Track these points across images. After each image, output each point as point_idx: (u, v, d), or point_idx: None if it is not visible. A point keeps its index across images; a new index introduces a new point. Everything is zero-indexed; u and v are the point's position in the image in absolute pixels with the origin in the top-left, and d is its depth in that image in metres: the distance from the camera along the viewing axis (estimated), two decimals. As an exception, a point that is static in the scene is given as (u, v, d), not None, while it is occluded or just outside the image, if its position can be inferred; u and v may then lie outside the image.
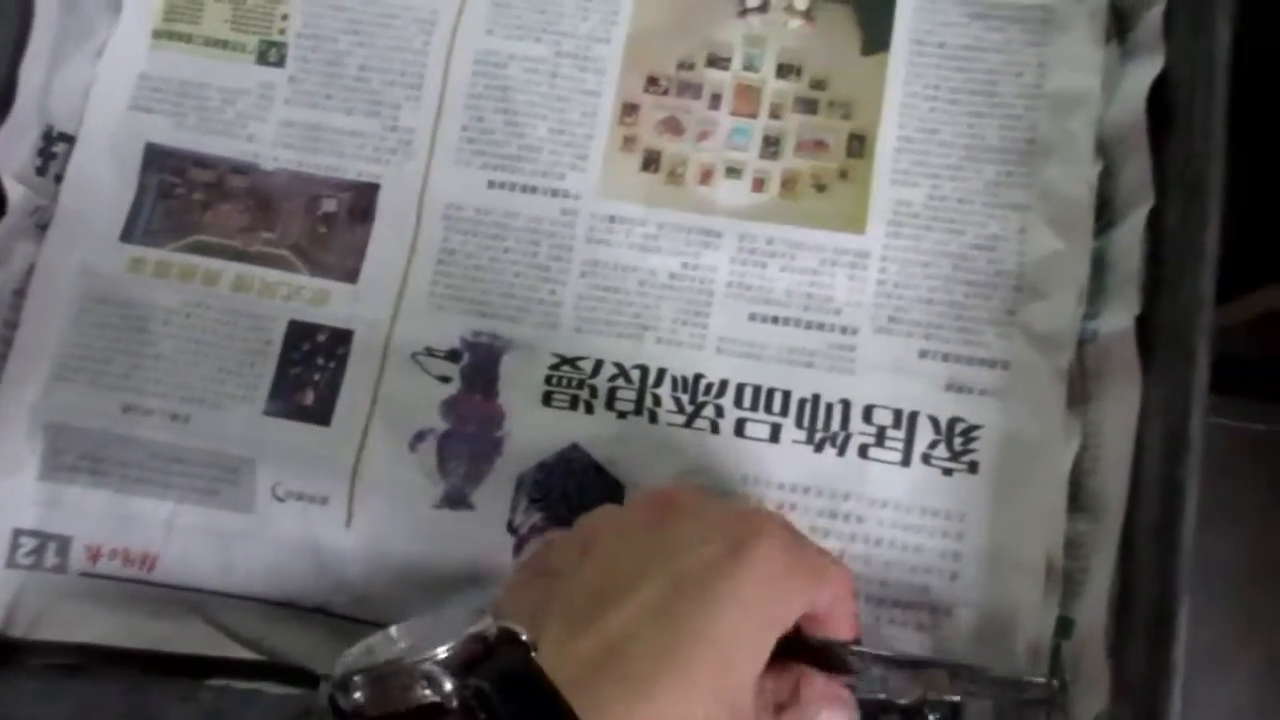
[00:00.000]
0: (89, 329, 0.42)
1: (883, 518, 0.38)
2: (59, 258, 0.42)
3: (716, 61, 0.42)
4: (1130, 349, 0.36)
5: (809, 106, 0.42)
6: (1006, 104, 0.40)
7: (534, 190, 0.42)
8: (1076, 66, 0.40)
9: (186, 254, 0.42)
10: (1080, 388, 0.38)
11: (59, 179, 0.42)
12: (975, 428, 0.38)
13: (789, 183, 0.41)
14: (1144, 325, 0.36)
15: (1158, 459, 0.34)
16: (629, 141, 0.42)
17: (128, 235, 0.42)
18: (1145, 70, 0.38)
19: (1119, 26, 0.40)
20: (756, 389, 0.39)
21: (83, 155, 0.43)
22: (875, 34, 0.42)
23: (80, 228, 0.42)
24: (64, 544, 0.40)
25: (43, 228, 0.42)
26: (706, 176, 0.41)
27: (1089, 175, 0.39)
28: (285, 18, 0.44)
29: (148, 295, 0.42)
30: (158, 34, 0.44)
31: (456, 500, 0.39)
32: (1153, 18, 0.38)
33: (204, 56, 0.44)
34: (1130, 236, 0.37)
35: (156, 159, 0.43)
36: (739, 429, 0.39)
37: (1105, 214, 0.39)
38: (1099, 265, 0.38)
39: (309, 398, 0.40)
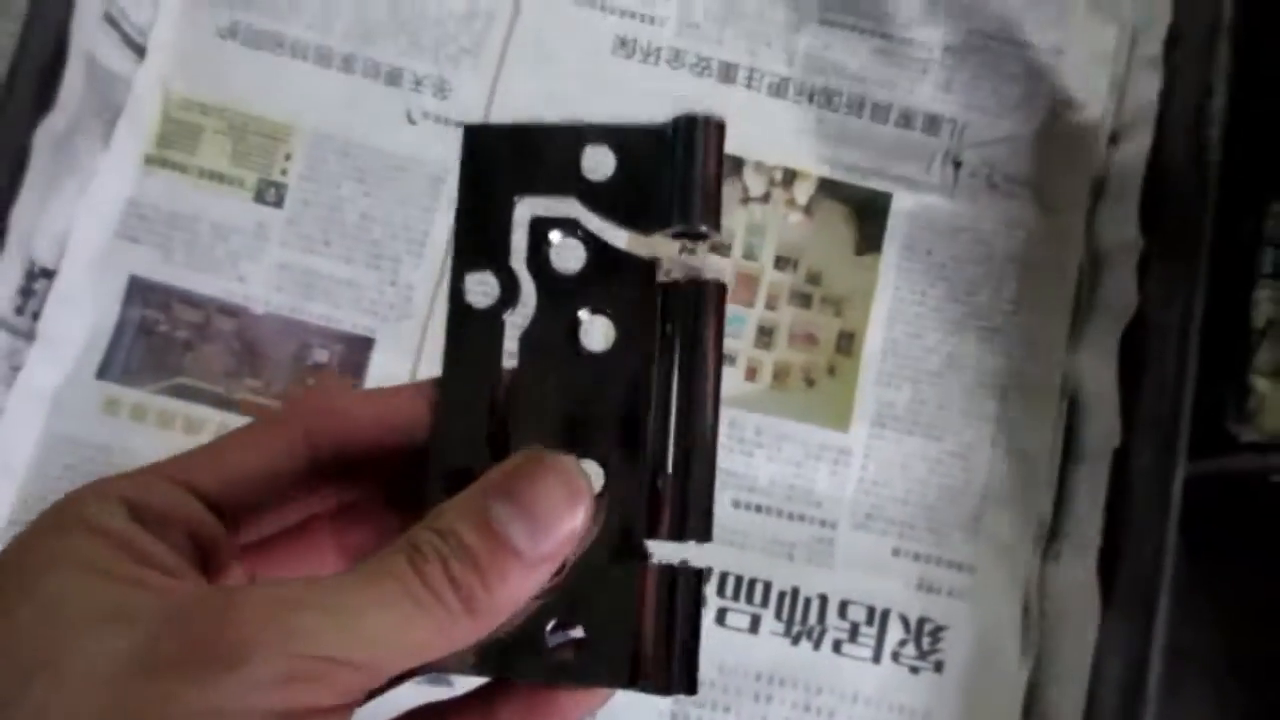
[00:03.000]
0: (55, 469, 0.40)
1: (854, 713, 0.40)
2: (29, 390, 0.40)
3: (717, 248, 0.43)
4: (1091, 583, 0.38)
5: (803, 300, 0.43)
6: (985, 315, 0.43)
7: (533, 361, 0.42)
8: (1048, 301, 0.43)
9: (167, 397, 0.41)
10: (1039, 605, 0.40)
11: (37, 316, 0.40)
12: (942, 628, 0.41)
13: (780, 374, 0.43)
14: (1108, 558, 0.38)
15: (1116, 691, 0.36)
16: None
17: (104, 372, 0.41)
18: (1118, 318, 0.41)
19: (1094, 269, 0.44)
20: (739, 578, 0.41)
21: (63, 283, 0.41)
22: (869, 235, 0.44)
23: (55, 359, 0.40)
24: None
25: (16, 369, 0.40)
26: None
27: (1055, 396, 0.42)
28: (288, 158, 0.43)
29: (123, 440, 0.40)
30: (150, 160, 0.43)
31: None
32: (1124, 267, 0.41)
33: (198, 188, 0.43)
34: (1096, 471, 0.40)
35: (140, 292, 0.42)
36: (720, 618, 0.40)
37: (1074, 448, 0.42)
38: (1065, 493, 0.41)
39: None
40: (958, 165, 0.44)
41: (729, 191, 0.44)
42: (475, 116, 0.44)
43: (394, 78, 0.44)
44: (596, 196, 0.19)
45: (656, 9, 0.44)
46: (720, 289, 0.20)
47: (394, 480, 0.20)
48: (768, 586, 0.41)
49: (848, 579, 0.41)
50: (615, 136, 0.20)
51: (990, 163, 0.44)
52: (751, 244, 0.44)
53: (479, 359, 0.20)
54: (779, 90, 0.44)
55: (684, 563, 0.19)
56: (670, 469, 0.20)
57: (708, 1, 0.44)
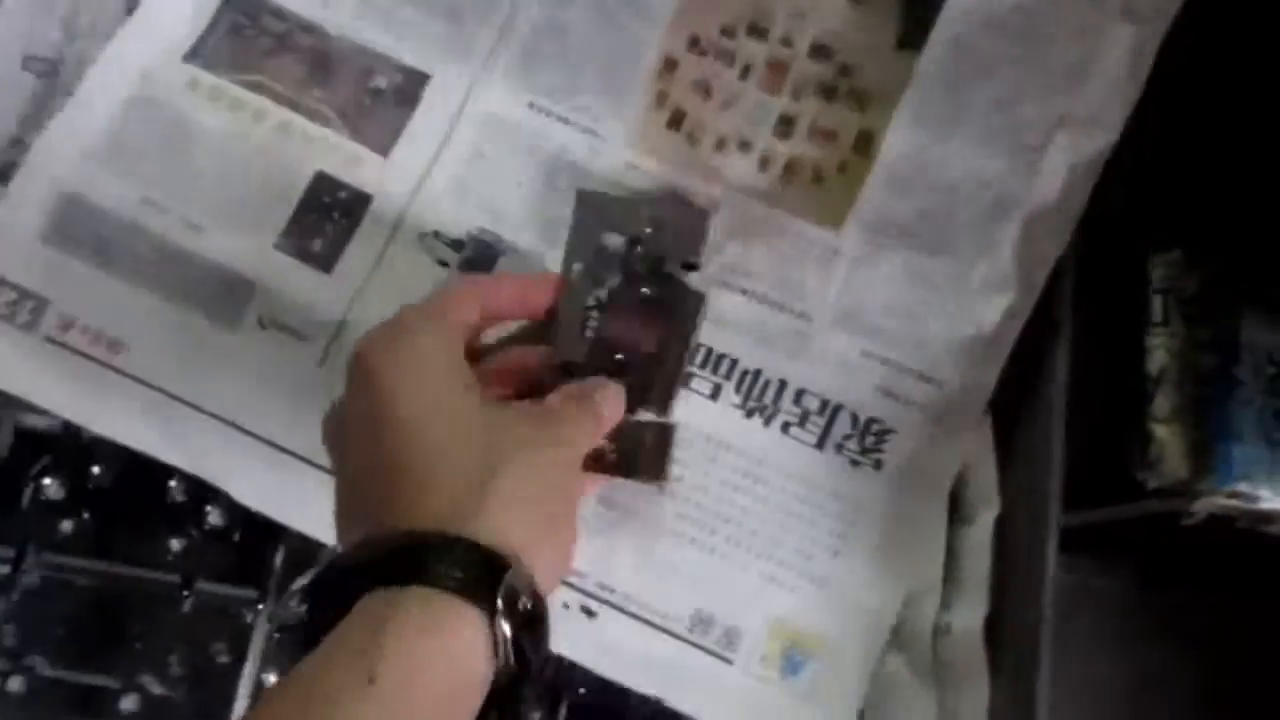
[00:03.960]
0: (133, 123, 0.45)
1: (788, 488, 0.42)
2: (125, 53, 0.46)
3: (756, 30, 0.44)
4: (978, 649, 0.39)
5: (828, 93, 0.44)
6: (1023, 132, 0.42)
7: (568, 123, 0.45)
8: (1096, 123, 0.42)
9: (242, 88, 0.46)
10: (936, 675, 0.41)
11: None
12: (890, 431, 0.42)
13: (791, 168, 0.44)
14: (994, 625, 0.39)
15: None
16: (662, 97, 0.45)
17: (191, 56, 0.46)
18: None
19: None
20: (709, 351, 0.43)
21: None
22: (914, 29, 0.43)
23: (151, 34, 0.46)
24: (40, 305, 0.44)
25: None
26: (721, 145, 0.44)
27: (1067, 230, 0.42)
28: (386, -91, 0.47)
29: (196, 112, 0.45)
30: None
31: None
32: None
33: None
34: (980, 538, 0.40)
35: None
36: (686, 380, 0.43)
37: (962, 509, 0.42)
38: (953, 556, 0.41)
39: (318, 245, 0.44)
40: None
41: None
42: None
43: None
44: (644, 238, 0.41)
45: None
46: (700, 296, 0.42)
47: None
48: (734, 363, 0.43)
49: (812, 370, 0.43)
50: (655, 205, 0.42)
51: None
52: (790, 28, 0.44)
53: (581, 303, 0.40)
54: None
55: (664, 421, 0.40)
56: (657, 371, 0.40)
57: None
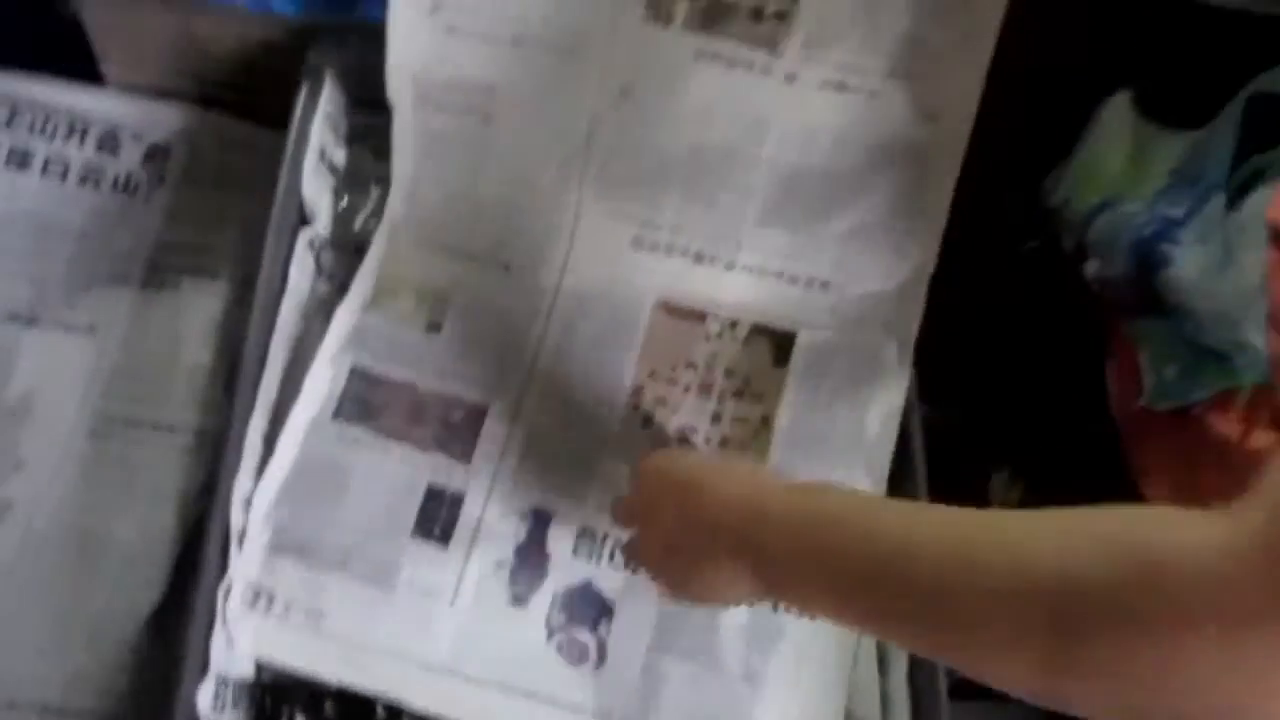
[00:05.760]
0: (308, 465, 0.70)
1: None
2: (299, 418, 0.70)
3: (691, 364, 0.74)
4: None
5: (740, 396, 0.73)
6: (861, 407, 0.72)
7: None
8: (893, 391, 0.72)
9: (371, 434, 0.71)
10: None
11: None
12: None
13: (724, 442, 0.72)
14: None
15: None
16: (635, 408, 0.73)
17: (335, 416, 0.71)
18: None
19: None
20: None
21: (318, 366, 0.72)
22: (782, 354, 0.73)
23: (312, 403, 0.71)
24: (271, 596, 0.67)
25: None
26: (680, 436, 0.72)
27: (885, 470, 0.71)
28: (444, 313, 0.74)
29: (346, 452, 0.70)
30: (366, 306, 0.74)
31: (518, 601, 0.68)
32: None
33: (394, 319, 0.74)
34: (898, 683, 0.68)
35: (357, 374, 0.72)
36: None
37: (885, 662, 0.70)
38: (883, 700, 0.69)
39: (436, 530, 0.69)
40: (843, 314, 0.74)
41: (697, 330, 0.74)
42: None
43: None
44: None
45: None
46: None
47: None
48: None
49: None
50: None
51: (862, 313, 0.73)
52: (710, 362, 0.73)
53: None
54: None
55: None
56: None
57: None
